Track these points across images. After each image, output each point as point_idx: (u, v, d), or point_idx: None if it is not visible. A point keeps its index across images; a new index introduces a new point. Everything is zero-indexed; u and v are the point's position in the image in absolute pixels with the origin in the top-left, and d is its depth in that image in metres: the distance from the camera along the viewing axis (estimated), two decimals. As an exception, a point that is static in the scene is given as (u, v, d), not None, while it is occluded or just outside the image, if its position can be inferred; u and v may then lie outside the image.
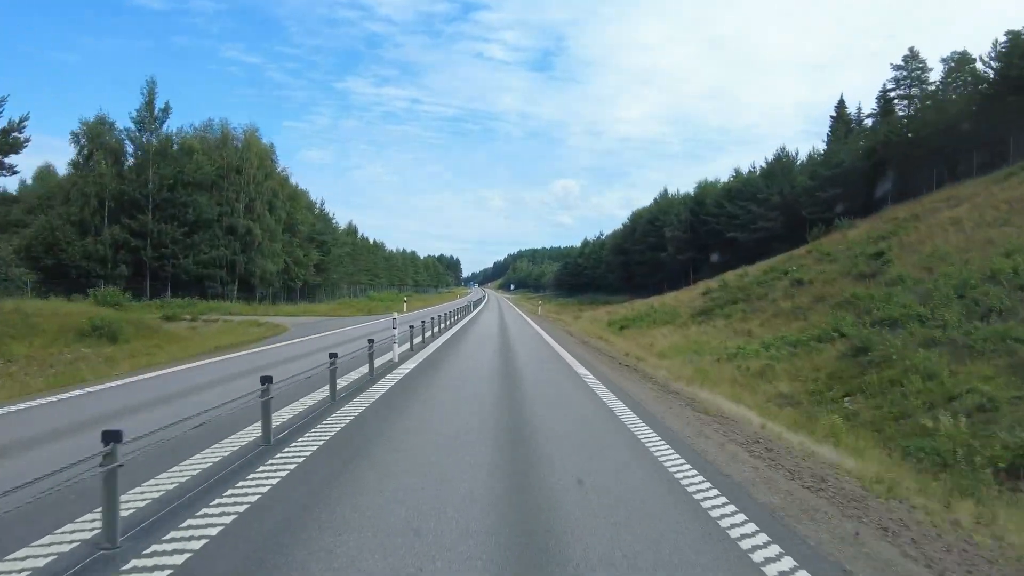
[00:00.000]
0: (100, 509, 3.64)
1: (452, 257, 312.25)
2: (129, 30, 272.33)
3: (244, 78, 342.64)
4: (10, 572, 3.33)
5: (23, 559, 3.46)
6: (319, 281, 57.97)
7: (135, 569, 3.34)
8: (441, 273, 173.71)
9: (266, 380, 6.06)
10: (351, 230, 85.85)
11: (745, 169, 62.04)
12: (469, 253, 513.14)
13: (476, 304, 64.69)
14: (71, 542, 3.69)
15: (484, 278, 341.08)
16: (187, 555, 3.52)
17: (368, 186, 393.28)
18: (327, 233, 60.86)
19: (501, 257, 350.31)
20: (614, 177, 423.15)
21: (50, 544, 3.66)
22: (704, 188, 62.51)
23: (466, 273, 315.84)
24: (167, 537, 3.76)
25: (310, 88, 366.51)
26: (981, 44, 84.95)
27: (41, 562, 3.43)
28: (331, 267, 61.75)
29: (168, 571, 3.32)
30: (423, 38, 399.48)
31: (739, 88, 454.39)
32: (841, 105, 68.36)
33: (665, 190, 68.87)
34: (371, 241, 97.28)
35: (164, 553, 3.54)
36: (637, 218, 74.80)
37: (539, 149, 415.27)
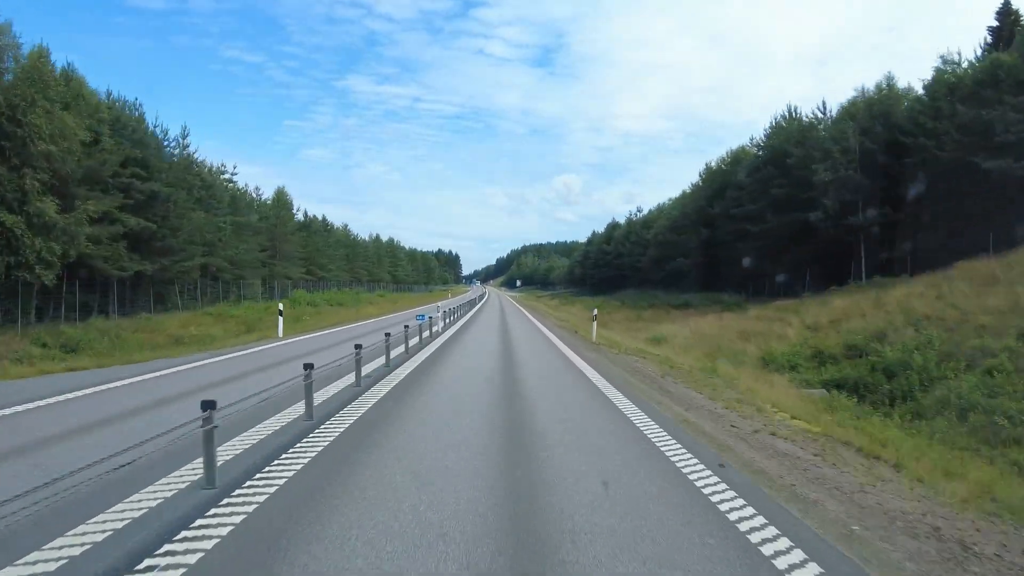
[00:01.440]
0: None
1: (451, 252, 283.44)
2: (130, 30, 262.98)
3: (245, 77, 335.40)
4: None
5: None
6: (146, 269, 29.13)
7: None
8: (433, 268, 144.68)
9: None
10: (282, 202, 57.09)
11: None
12: (472, 251, 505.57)
13: (465, 309, 36.95)
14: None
15: (486, 275, 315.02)
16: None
17: (370, 184, 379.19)
18: (174, 181, 32.10)
19: (504, 253, 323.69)
20: (616, 173, 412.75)
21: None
22: (886, 96, 33.12)
23: (467, 270, 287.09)
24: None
25: (311, 87, 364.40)
26: None
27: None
28: (190, 247, 33.03)
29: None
30: (423, 35, 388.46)
31: (740, 83, 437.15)
32: (1007, 10, 40.49)
33: (791, 109, 39.25)
34: (319, 220, 68.44)
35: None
36: (726, 170, 45.55)
37: (541, 146, 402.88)
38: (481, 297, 75.76)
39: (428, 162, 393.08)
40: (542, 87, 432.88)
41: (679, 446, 6.59)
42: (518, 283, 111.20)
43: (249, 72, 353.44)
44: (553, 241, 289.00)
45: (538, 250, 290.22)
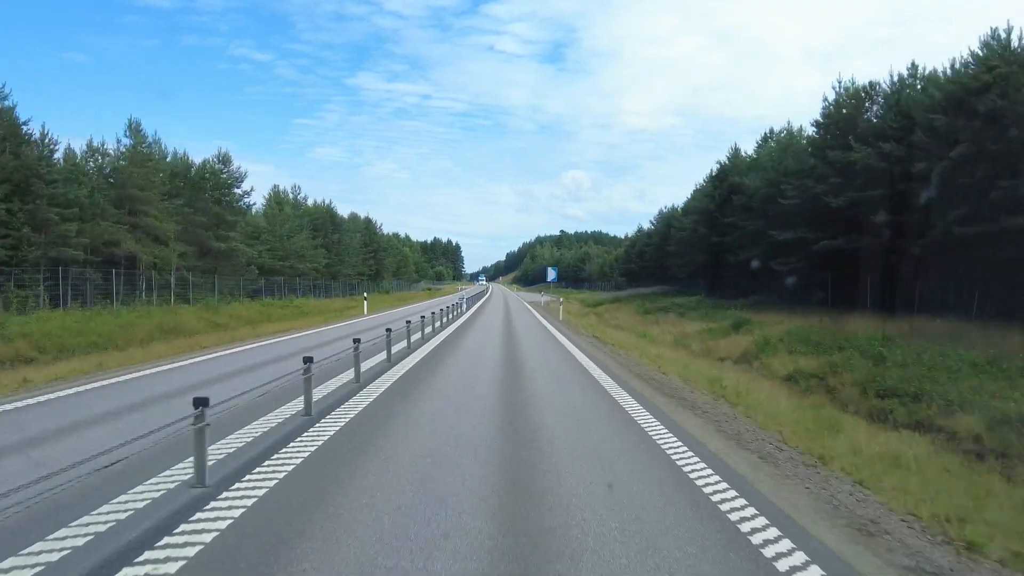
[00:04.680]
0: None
1: (450, 242, 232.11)
2: (136, 30, 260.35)
3: (254, 76, 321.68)
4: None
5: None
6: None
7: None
8: (403, 257, 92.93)
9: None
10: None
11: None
12: (480, 248, 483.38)
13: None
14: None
15: (495, 272, 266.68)
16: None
17: (378, 183, 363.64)
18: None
19: (514, 248, 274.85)
20: (624, 170, 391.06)
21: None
22: None
23: (476, 267, 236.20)
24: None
25: (320, 85, 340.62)
26: None
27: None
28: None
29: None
30: (433, 32, 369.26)
31: (748, 78, 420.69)
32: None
33: None
34: None
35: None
36: None
37: (549, 143, 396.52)
38: (458, 314, 25.11)
39: (437, 160, 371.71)
40: (551, 84, 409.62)
41: None
42: (552, 276, 56.64)
43: (258, 71, 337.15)
44: (571, 232, 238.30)
45: (558, 241, 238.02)
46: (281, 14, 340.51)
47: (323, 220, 51.27)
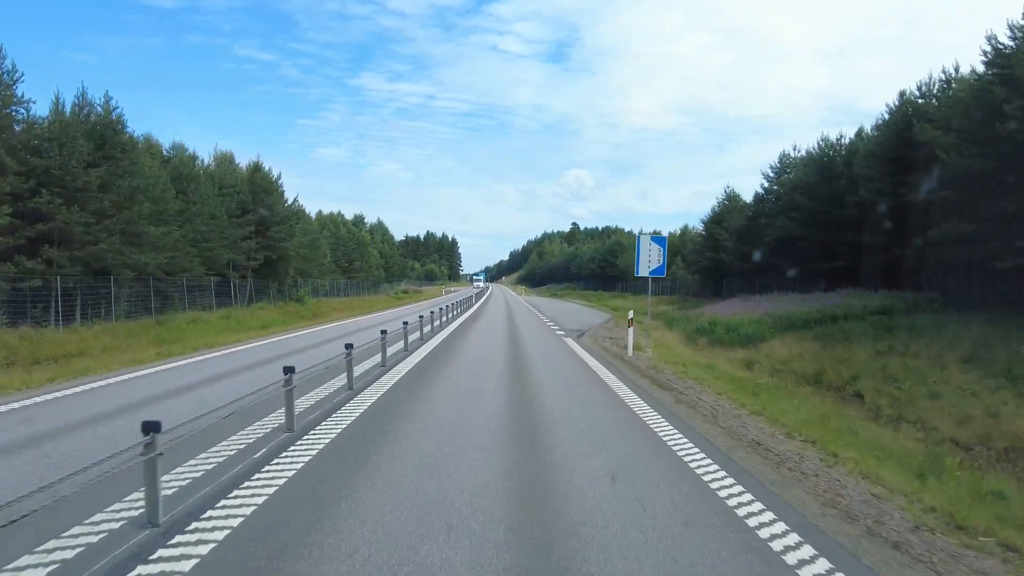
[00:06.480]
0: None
1: (445, 237, 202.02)
2: (141, 28, 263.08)
3: (259, 76, 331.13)
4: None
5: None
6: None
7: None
8: (366, 245, 62.73)
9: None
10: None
11: None
12: (482, 248, 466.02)
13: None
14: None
15: (498, 271, 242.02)
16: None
17: (381, 183, 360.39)
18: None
19: (517, 247, 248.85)
20: (630, 169, 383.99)
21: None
22: None
23: (478, 266, 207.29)
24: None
25: (324, 85, 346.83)
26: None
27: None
28: None
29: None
30: (436, 32, 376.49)
31: (754, 77, 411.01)
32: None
33: None
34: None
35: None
36: None
37: (553, 142, 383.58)
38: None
39: (440, 160, 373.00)
40: (555, 83, 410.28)
41: None
42: (656, 264, 21.40)
43: (262, 70, 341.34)
44: (582, 228, 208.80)
45: (568, 236, 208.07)
46: (284, 13, 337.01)
47: (68, 138, 21.03)
